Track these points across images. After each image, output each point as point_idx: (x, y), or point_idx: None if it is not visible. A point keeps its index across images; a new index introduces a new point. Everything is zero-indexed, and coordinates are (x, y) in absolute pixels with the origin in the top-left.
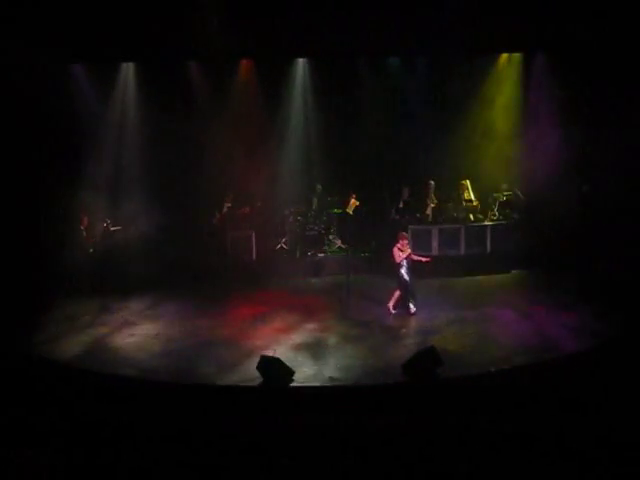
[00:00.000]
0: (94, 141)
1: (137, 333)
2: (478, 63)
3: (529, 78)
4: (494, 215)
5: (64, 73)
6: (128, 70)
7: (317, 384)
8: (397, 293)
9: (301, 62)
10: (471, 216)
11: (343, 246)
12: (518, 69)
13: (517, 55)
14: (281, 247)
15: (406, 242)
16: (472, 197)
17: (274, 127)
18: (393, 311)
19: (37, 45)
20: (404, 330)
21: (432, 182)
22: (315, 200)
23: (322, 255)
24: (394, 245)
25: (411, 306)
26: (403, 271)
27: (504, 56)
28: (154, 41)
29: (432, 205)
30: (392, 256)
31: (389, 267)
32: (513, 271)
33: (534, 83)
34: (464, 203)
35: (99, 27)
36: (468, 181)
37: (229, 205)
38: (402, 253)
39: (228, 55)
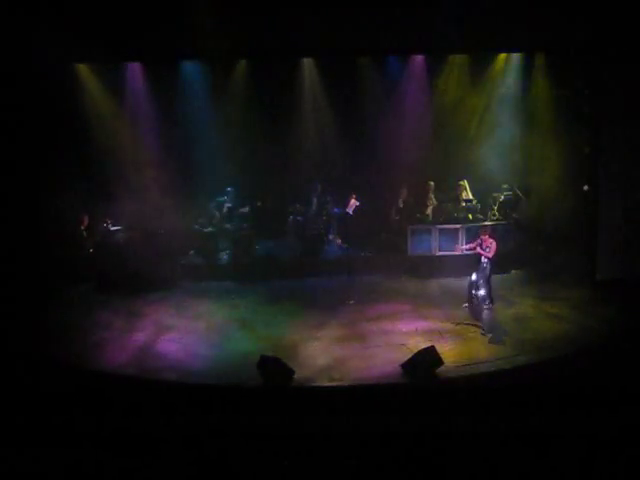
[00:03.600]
0: (96, 141)
1: (137, 333)
2: (478, 62)
3: (529, 78)
4: (494, 215)
5: (66, 72)
6: (128, 69)
7: (317, 384)
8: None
9: (301, 62)
10: (471, 216)
11: (343, 246)
12: (518, 69)
13: (516, 55)
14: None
15: (486, 237)
16: (470, 197)
17: (273, 127)
18: (490, 305)
19: (41, 44)
20: (404, 330)
21: (432, 182)
22: (315, 200)
23: (322, 255)
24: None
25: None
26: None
27: (504, 55)
28: (154, 41)
29: (432, 205)
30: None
31: (389, 267)
32: (513, 271)
33: (533, 83)
34: (463, 203)
35: (98, 27)
36: (466, 181)
37: (229, 205)
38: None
39: (229, 55)
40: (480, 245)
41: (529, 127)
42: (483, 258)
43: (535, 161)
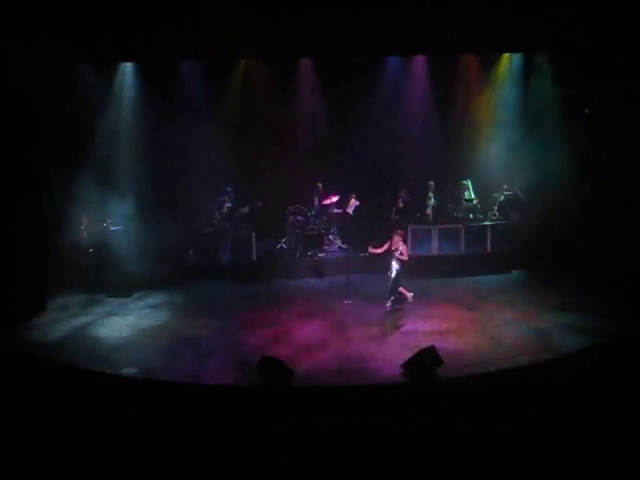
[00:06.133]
0: (96, 140)
1: (137, 333)
2: (479, 62)
3: (530, 78)
4: (494, 215)
5: (64, 72)
6: (128, 69)
7: (317, 384)
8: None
9: (302, 62)
10: (471, 216)
11: (343, 246)
12: (519, 69)
13: (518, 55)
14: (281, 247)
15: (398, 238)
16: (473, 197)
17: (273, 127)
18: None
19: (38, 45)
20: (404, 330)
21: (432, 182)
22: (315, 200)
23: (322, 255)
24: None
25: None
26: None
27: (505, 56)
28: (154, 41)
29: (432, 205)
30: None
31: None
32: (513, 271)
33: (534, 83)
34: (464, 203)
35: (98, 26)
36: (469, 181)
37: (229, 205)
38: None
39: (230, 55)
40: (391, 246)
41: (530, 127)
42: (394, 259)
43: (535, 161)
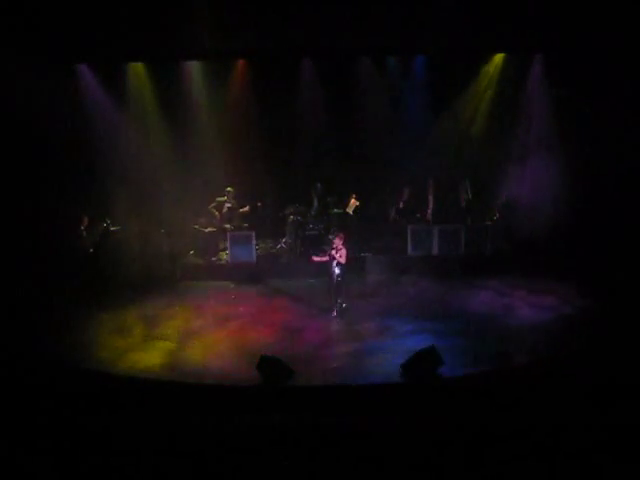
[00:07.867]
0: (95, 140)
1: (136, 333)
2: (477, 63)
3: (527, 78)
4: (494, 215)
5: (64, 72)
6: (127, 69)
7: (317, 384)
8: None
9: (301, 62)
10: (471, 216)
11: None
12: (516, 69)
13: (516, 56)
14: (281, 247)
15: (338, 241)
16: (470, 197)
17: (273, 127)
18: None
19: (38, 45)
20: (404, 330)
21: (431, 182)
22: (315, 200)
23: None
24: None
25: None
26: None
27: (501, 56)
28: (154, 40)
29: (432, 205)
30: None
31: (388, 267)
32: (512, 271)
33: (531, 83)
34: (464, 203)
35: (98, 26)
36: (467, 181)
37: (229, 205)
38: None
39: (228, 54)
40: (333, 249)
41: (529, 127)
42: (335, 263)
43: (534, 161)
